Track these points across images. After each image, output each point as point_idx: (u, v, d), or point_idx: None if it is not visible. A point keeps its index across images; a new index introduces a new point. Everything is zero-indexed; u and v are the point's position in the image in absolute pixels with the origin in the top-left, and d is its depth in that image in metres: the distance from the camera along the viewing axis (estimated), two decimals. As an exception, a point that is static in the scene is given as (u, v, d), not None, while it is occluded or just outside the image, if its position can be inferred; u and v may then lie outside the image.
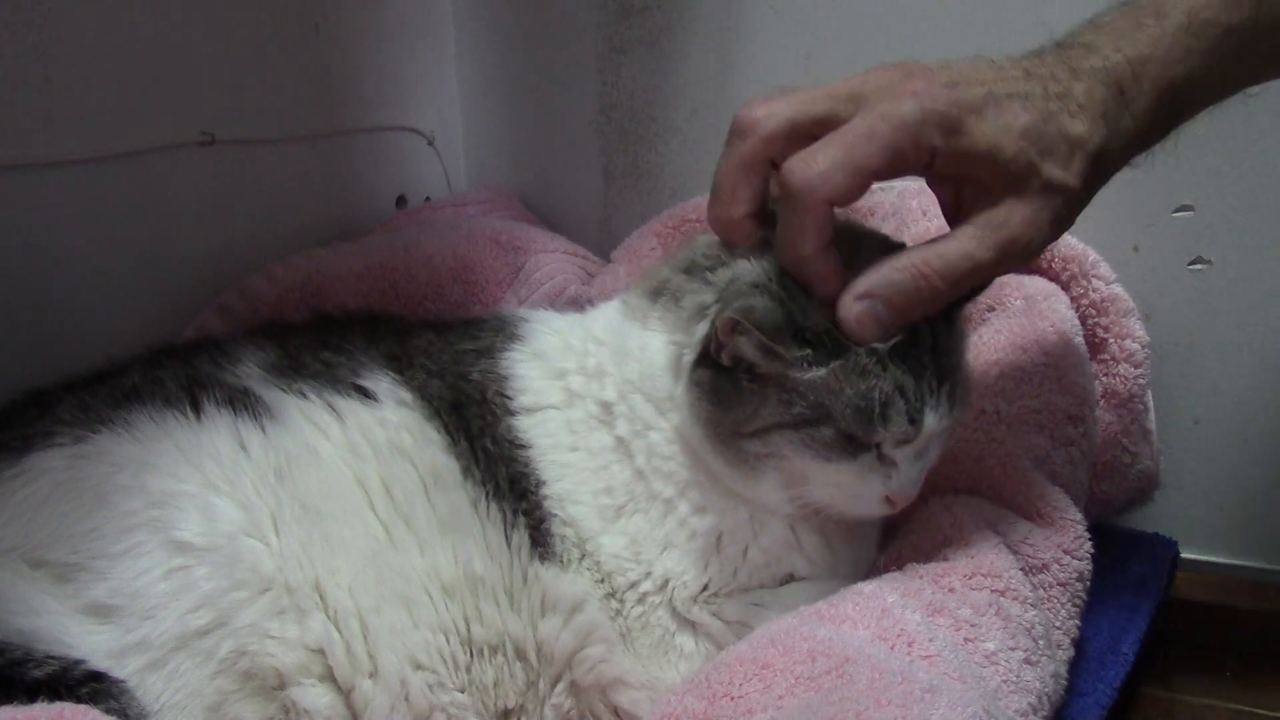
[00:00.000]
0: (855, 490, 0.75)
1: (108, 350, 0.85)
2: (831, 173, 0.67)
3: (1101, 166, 0.72)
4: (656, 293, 0.81)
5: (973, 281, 0.71)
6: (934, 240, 0.71)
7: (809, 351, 0.70)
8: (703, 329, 0.75)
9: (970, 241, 0.69)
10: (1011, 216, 0.69)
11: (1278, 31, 0.74)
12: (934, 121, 0.67)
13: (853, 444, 0.72)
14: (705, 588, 0.79)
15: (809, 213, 0.68)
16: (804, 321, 0.71)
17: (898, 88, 0.68)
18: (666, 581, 0.79)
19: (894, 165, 0.68)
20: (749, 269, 0.74)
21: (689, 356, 0.76)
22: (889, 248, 0.76)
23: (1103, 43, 0.72)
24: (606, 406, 0.81)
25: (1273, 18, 0.73)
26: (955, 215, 0.73)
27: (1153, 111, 0.73)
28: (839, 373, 0.71)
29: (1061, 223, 0.71)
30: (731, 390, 0.73)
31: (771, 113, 0.70)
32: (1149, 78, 0.71)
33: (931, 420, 0.73)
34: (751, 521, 0.79)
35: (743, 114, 0.72)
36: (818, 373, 0.71)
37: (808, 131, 0.70)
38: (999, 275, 0.74)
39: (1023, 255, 0.71)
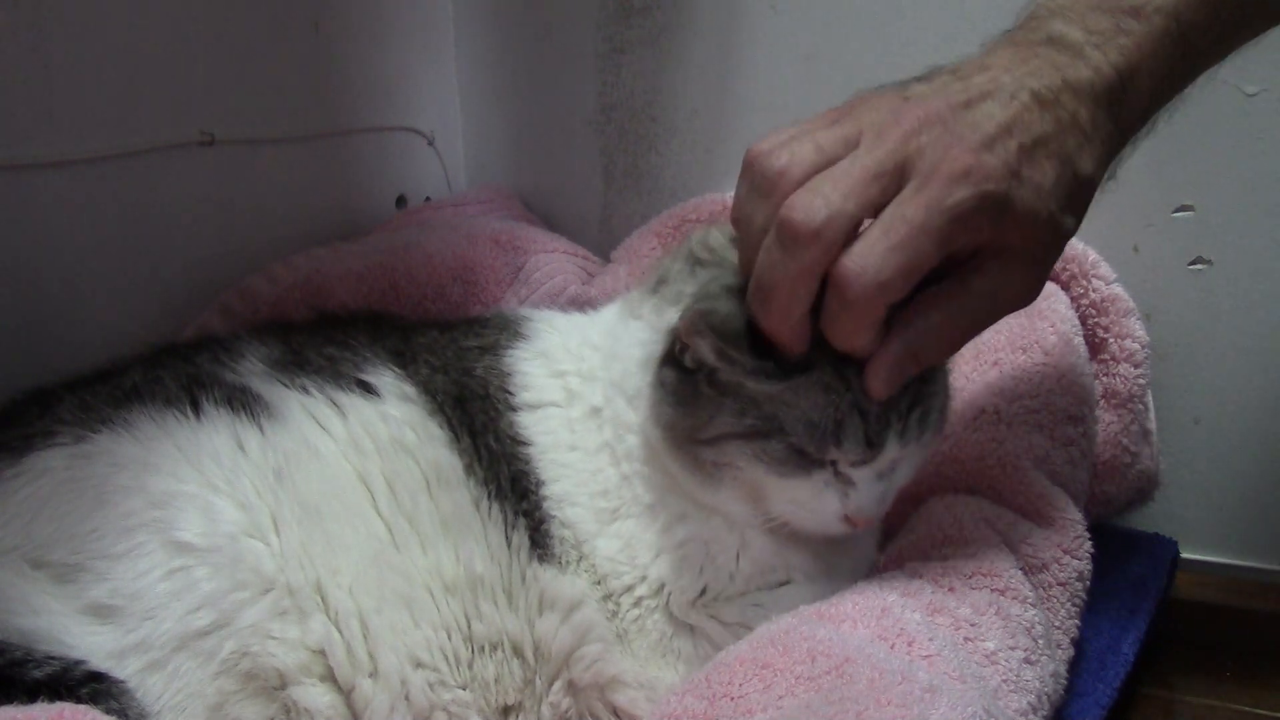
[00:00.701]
0: (812, 507, 0.73)
1: (108, 350, 0.85)
2: (893, 281, 0.64)
3: (1094, 192, 0.71)
4: (657, 285, 0.81)
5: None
6: (957, 294, 0.68)
7: (770, 363, 0.69)
8: (670, 319, 0.75)
9: (989, 300, 0.69)
10: (1029, 273, 0.69)
11: (1245, 27, 0.73)
12: (988, 207, 0.64)
13: (805, 460, 0.71)
14: (703, 592, 0.78)
15: (870, 315, 0.65)
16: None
17: (943, 160, 0.64)
18: (662, 586, 0.78)
19: (944, 254, 0.66)
20: (728, 273, 0.73)
21: (656, 347, 0.76)
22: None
23: (1087, 47, 0.69)
24: (596, 411, 0.81)
25: (1257, 5, 0.72)
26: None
27: (1137, 123, 0.72)
28: (798, 387, 0.69)
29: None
30: (691, 394, 0.73)
31: (833, 212, 0.64)
32: (1138, 92, 0.70)
33: (894, 444, 0.71)
34: (732, 532, 0.78)
35: (800, 217, 0.64)
36: (774, 386, 0.69)
37: (862, 221, 0.66)
38: None
39: (1032, 299, 0.71)
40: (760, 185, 0.68)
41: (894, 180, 0.65)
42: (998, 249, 0.67)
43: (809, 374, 0.69)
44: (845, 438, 0.70)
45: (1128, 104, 0.70)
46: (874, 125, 0.67)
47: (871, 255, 0.63)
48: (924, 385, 0.72)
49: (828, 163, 0.66)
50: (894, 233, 0.64)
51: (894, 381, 0.68)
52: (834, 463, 0.72)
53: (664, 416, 0.75)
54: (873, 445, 0.70)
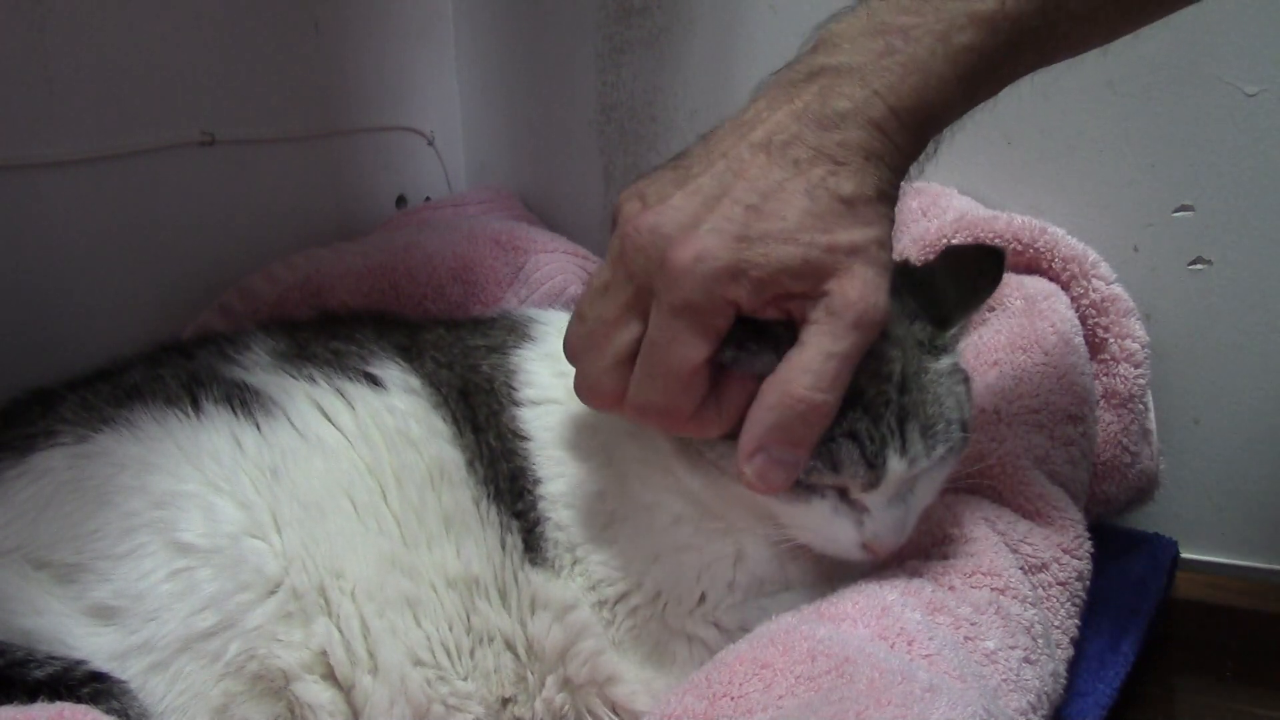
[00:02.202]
0: (827, 535, 0.72)
1: (108, 350, 0.85)
2: (675, 402, 0.66)
3: (893, 196, 0.69)
4: None
5: (849, 371, 0.65)
6: (790, 356, 0.65)
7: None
8: None
9: (825, 339, 0.64)
10: (846, 295, 0.65)
11: (1029, 50, 0.70)
12: (725, 282, 0.63)
13: (802, 484, 0.69)
14: (701, 600, 0.77)
15: (692, 427, 0.69)
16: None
17: (663, 267, 0.64)
18: (658, 594, 0.77)
19: (716, 340, 0.65)
20: None
21: None
22: (770, 337, 0.67)
23: (847, 71, 0.68)
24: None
25: (1032, 35, 0.69)
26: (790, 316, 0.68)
27: (913, 140, 0.70)
28: None
29: (889, 265, 0.68)
30: None
31: (597, 377, 0.70)
32: (905, 108, 0.67)
33: (897, 464, 0.68)
34: (728, 541, 0.77)
35: (583, 398, 0.71)
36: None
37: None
38: (867, 348, 0.67)
39: (877, 319, 0.66)
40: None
41: (639, 309, 0.67)
42: (802, 292, 0.65)
43: None
44: (842, 462, 0.68)
45: (899, 119, 0.67)
46: (612, 262, 0.69)
47: (642, 392, 0.67)
48: (918, 393, 0.69)
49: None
50: (651, 363, 0.66)
51: (768, 470, 0.66)
52: (843, 490, 0.70)
53: None
54: (873, 466, 0.68)
